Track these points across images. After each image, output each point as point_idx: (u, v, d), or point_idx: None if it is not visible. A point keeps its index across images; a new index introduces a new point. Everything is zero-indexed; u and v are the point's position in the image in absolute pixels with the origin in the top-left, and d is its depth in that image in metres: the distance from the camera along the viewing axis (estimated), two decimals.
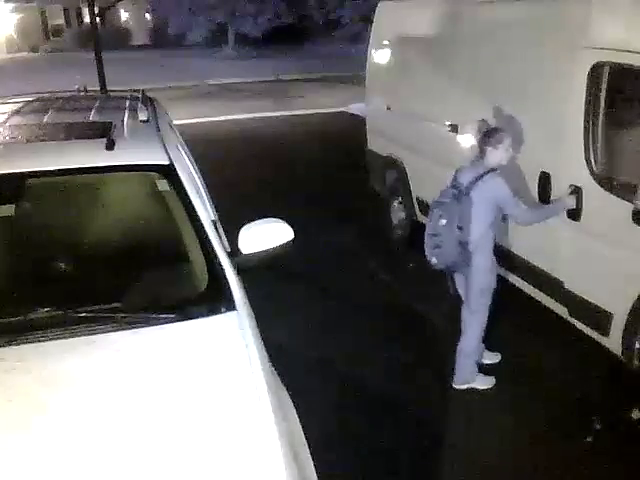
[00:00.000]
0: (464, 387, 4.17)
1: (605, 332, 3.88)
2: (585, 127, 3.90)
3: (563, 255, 4.17)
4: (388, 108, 6.72)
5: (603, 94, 3.82)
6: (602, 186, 3.82)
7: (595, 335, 4.01)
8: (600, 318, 3.91)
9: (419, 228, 6.24)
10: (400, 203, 6.68)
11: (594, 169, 3.88)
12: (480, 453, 3.61)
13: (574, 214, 3.98)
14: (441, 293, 5.46)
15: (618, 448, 3.63)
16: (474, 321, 4.12)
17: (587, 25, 3.89)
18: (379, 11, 7.00)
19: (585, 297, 4.02)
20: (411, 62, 6.23)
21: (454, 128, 5.39)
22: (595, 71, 3.82)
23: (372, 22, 7.12)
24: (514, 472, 3.51)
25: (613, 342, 3.85)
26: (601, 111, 3.84)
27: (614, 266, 3.78)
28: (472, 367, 4.19)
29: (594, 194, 3.86)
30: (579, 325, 4.14)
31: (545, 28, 4.31)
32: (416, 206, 6.29)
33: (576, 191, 3.94)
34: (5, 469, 1.84)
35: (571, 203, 3.97)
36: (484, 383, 4.20)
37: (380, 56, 6.88)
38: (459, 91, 5.34)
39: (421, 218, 6.21)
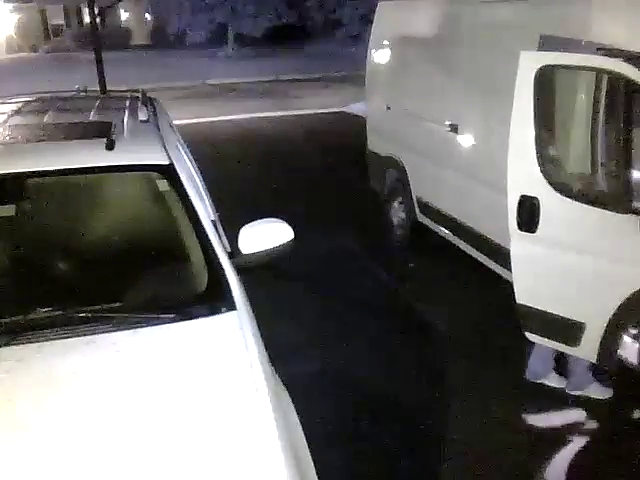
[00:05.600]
0: (537, 381, 4.18)
1: (574, 342, 3.80)
2: (537, 133, 3.66)
3: (516, 268, 3.90)
4: (388, 108, 6.72)
5: (552, 97, 3.70)
6: (566, 195, 3.63)
7: (562, 347, 3.91)
8: (566, 329, 3.80)
9: (419, 228, 6.27)
10: (400, 203, 6.68)
11: (552, 177, 3.67)
12: (478, 451, 3.62)
13: (528, 226, 3.72)
14: (442, 293, 5.51)
15: (618, 448, 3.63)
16: None
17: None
18: (379, 11, 7.00)
19: (544, 309, 3.84)
20: (411, 62, 6.23)
21: (454, 128, 5.40)
22: (542, 74, 3.63)
23: (372, 22, 7.13)
24: (513, 471, 3.52)
25: (585, 350, 3.79)
26: (552, 114, 3.70)
27: (586, 276, 3.65)
28: (544, 363, 4.17)
29: (554, 203, 3.65)
30: (533, 338, 3.99)
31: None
32: (416, 206, 6.29)
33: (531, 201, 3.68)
34: (5, 469, 1.84)
35: None
36: (558, 382, 4.17)
37: (380, 56, 6.89)
38: (459, 91, 5.34)
39: (421, 218, 6.22)
